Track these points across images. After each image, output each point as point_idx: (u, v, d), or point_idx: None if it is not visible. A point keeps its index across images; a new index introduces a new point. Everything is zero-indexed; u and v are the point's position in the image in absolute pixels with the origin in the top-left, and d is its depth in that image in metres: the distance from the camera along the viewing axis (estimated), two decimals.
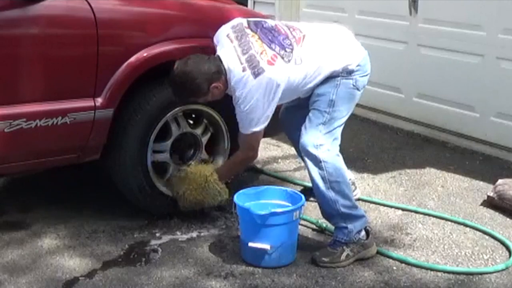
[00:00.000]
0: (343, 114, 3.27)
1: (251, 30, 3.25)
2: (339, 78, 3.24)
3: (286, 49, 3.21)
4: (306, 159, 3.21)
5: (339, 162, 3.24)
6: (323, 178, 3.17)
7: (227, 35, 3.26)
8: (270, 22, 3.36)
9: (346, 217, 3.20)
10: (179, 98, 3.33)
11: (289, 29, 3.31)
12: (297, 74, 3.21)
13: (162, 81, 3.42)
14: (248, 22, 3.30)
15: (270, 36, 3.24)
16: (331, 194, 3.18)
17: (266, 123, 3.22)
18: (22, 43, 3.07)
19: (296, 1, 6.30)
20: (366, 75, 3.33)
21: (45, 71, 3.13)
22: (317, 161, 3.17)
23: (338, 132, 3.28)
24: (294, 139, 3.71)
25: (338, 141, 3.28)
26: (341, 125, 3.28)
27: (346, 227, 3.20)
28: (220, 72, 3.18)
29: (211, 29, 3.41)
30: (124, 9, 3.38)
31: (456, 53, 4.86)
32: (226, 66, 3.18)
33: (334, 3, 5.85)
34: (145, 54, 3.30)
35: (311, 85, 3.26)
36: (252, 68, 3.12)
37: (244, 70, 3.13)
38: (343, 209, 3.19)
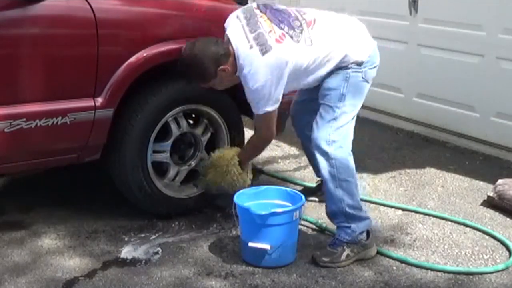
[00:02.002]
0: (354, 108, 3.23)
1: (260, 11, 3.23)
2: (349, 71, 3.19)
3: (295, 29, 3.17)
4: (317, 155, 3.19)
5: (350, 161, 3.20)
6: (332, 176, 3.15)
7: (237, 17, 3.24)
8: (280, 6, 3.32)
9: (350, 217, 3.19)
10: (188, 80, 3.32)
11: (299, 12, 3.28)
12: (306, 55, 3.16)
13: (162, 81, 3.43)
14: (258, 5, 3.28)
15: (280, 17, 3.21)
16: (338, 192, 3.17)
17: (277, 105, 3.16)
18: (22, 43, 3.07)
19: (296, 1, 6.30)
20: (375, 66, 3.29)
21: (45, 71, 3.13)
22: (328, 158, 3.15)
23: (351, 127, 3.23)
24: (303, 135, 3.67)
25: (351, 138, 3.23)
26: (353, 119, 3.24)
27: (349, 227, 3.19)
28: (227, 55, 3.15)
29: (211, 28, 3.41)
30: (124, 9, 3.38)
31: (456, 53, 4.86)
32: (234, 45, 3.15)
33: (334, 3, 5.81)
34: (145, 54, 3.29)
35: (320, 72, 3.21)
36: (259, 45, 3.09)
37: (251, 47, 3.10)
38: (348, 209, 3.18)
